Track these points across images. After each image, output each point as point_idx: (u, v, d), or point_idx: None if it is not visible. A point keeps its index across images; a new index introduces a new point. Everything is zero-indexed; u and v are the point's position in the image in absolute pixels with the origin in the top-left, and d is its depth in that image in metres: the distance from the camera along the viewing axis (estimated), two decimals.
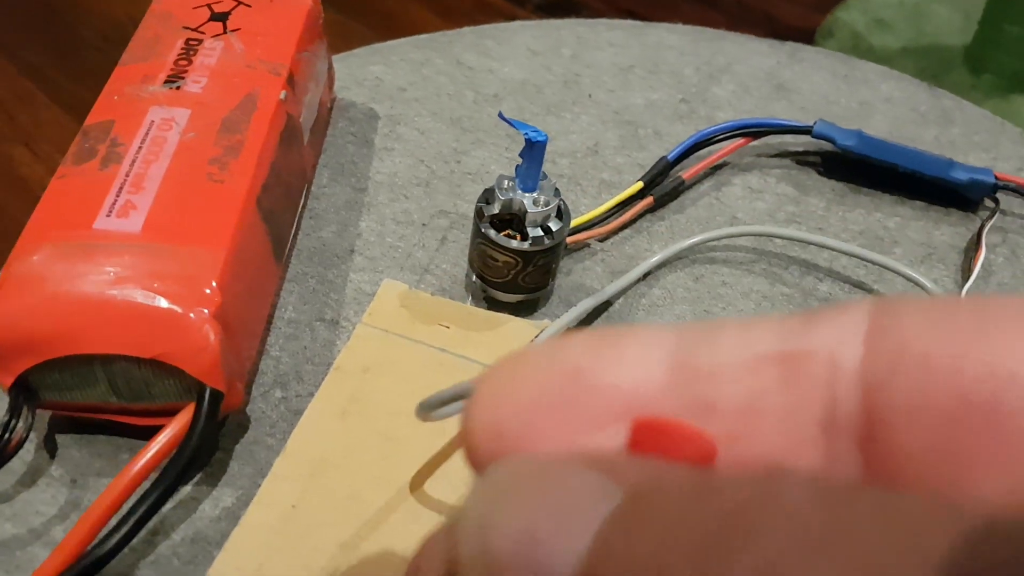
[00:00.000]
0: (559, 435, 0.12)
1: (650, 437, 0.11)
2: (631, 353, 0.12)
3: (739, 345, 0.12)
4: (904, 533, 0.08)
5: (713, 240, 0.39)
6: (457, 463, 0.32)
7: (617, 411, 0.12)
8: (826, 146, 0.43)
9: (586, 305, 0.36)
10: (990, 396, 0.10)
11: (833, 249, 0.39)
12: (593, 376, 0.12)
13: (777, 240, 0.40)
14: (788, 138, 0.45)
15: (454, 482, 0.31)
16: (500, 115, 0.33)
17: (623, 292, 0.38)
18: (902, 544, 0.08)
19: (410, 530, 0.30)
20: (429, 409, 0.27)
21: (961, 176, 0.41)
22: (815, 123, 0.43)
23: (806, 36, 1.41)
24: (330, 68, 0.45)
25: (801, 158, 0.45)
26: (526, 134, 0.32)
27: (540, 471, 0.11)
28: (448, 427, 0.32)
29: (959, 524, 0.08)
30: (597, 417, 0.12)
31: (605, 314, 0.37)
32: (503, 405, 0.12)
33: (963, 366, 0.10)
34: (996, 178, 0.41)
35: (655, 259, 0.38)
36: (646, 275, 0.38)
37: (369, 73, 0.48)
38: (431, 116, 0.46)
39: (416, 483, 0.31)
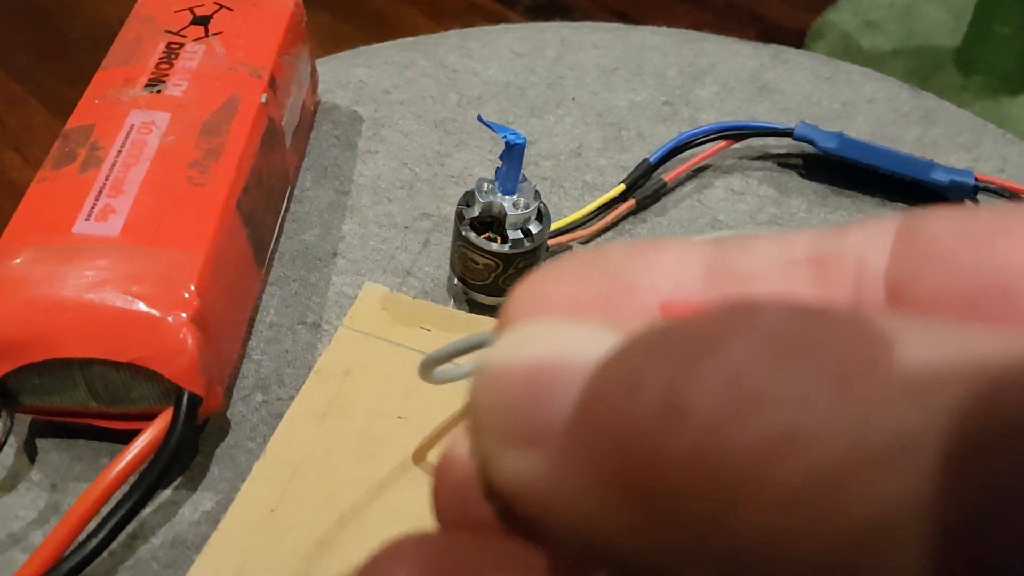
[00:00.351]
0: None
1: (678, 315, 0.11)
2: (668, 258, 0.12)
3: (772, 251, 0.12)
4: (906, 357, 0.09)
5: None
6: (435, 466, 0.32)
7: (652, 310, 0.12)
8: (808, 148, 0.44)
9: None
10: (1007, 284, 0.11)
11: None
12: (630, 277, 0.12)
13: None
14: (770, 140, 0.45)
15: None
16: (479, 118, 0.33)
17: None
18: (894, 363, 0.08)
19: (390, 532, 0.30)
20: (431, 366, 0.27)
21: (941, 178, 0.41)
22: (797, 125, 0.43)
23: (796, 36, 1.42)
24: (313, 71, 0.45)
25: (783, 160, 0.45)
26: (505, 137, 0.32)
27: (549, 325, 0.11)
28: (429, 430, 0.32)
29: (968, 367, 0.08)
30: (633, 316, 0.12)
31: None
32: (541, 304, 0.12)
33: (982, 261, 0.11)
34: (976, 180, 0.41)
35: None
36: None
37: (353, 76, 0.48)
38: (415, 119, 0.46)
39: (395, 484, 0.31)
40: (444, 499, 0.13)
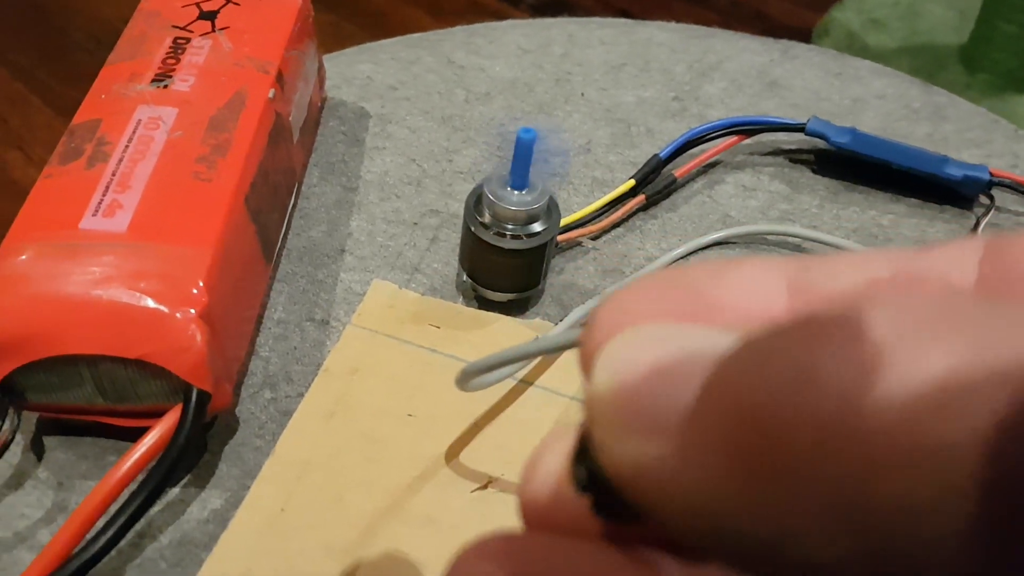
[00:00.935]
0: None
1: None
2: (750, 277, 0.12)
3: (855, 270, 0.12)
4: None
5: (737, 236, 0.39)
6: (446, 466, 0.31)
7: (735, 328, 0.12)
8: (819, 144, 0.43)
9: (591, 305, 0.36)
10: None
11: (834, 246, 0.39)
12: (713, 296, 0.12)
13: (770, 238, 0.40)
14: (781, 136, 0.44)
15: (441, 483, 0.31)
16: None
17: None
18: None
19: (397, 532, 0.30)
20: (469, 377, 0.27)
21: (956, 173, 0.41)
22: (808, 120, 0.43)
23: (799, 34, 1.41)
24: (320, 67, 0.44)
25: (794, 156, 0.44)
26: (516, 132, 0.32)
27: (666, 328, 0.11)
28: (437, 430, 0.32)
29: None
30: None
31: None
32: (624, 320, 0.12)
33: None
34: (991, 174, 0.41)
35: (679, 251, 0.38)
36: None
37: (359, 72, 0.48)
38: (422, 115, 0.46)
39: (404, 483, 0.31)
40: (530, 499, 0.13)
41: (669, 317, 0.12)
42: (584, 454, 0.12)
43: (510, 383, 0.33)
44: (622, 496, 0.11)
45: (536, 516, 0.13)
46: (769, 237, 0.40)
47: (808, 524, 0.09)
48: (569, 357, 0.33)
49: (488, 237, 0.34)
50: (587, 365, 0.12)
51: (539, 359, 0.34)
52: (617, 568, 0.12)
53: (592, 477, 0.11)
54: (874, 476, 0.08)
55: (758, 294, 0.12)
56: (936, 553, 0.08)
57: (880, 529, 0.08)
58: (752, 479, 0.09)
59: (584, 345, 0.12)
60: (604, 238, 0.40)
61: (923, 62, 1.29)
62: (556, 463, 0.13)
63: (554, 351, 0.26)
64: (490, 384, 0.30)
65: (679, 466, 0.10)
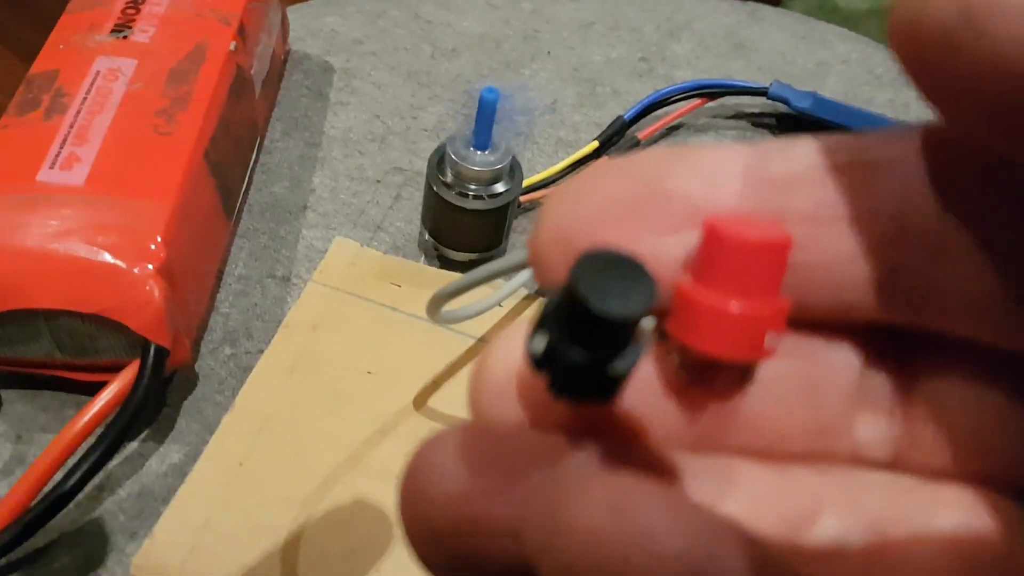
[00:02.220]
0: (628, 237, 0.12)
1: (725, 227, 0.11)
2: (706, 163, 0.12)
3: (813, 156, 0.12)
4: None
5: None
6: (406, 420, 0.32)
7: (689, 216, 0.12)
8: (781, 107, 0.43)
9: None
10: None
11: None
12: (667, 183, 0.12)
13: None
14: (744, 99, 0.45)
15: (401, 438, 0.31)
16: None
17: None
18: None
19: (357, 484, 0.30)
20: (439, 304, 0.27)
21: None
22: (771, 85, 0.43)
23: None
24: (284, 19, 0.44)
25: (756, 119, 0.45)
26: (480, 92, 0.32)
27: None
28: (397, 386, 0.32)
29: None
30: (668, 222, 0.12)
31: None
32: (573, 210, 0.12)
33: None
34: None
35: None
36: None
37: (324, 24, 0.47)
38: (387, 70, 0.45)
39: (363, 438, 0.31)
40: (484, 392, 0.13)
41: (616, 206, 0.12)
42: (544, 323, 0.11)
43: (469, 335, 0.34)
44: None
45: (490, 411, 0.13)
46: None
47: None
48: (528, 316, 0.33)
49: (451, 197, 0.34)
50: (538, 263, 0.12)
51: (504, 313, 0.34)
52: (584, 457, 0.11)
53: (550, 349, 0.11)
54: None
55: (711, 182, 0.12)
56: None
57: None
58: None
59: (532, 235, 0.12)
60: None
61: None
62: (510, 352, 0.12)
63: (520, 268, 0.27)
64: (460, 320, 0.30)
65: None
